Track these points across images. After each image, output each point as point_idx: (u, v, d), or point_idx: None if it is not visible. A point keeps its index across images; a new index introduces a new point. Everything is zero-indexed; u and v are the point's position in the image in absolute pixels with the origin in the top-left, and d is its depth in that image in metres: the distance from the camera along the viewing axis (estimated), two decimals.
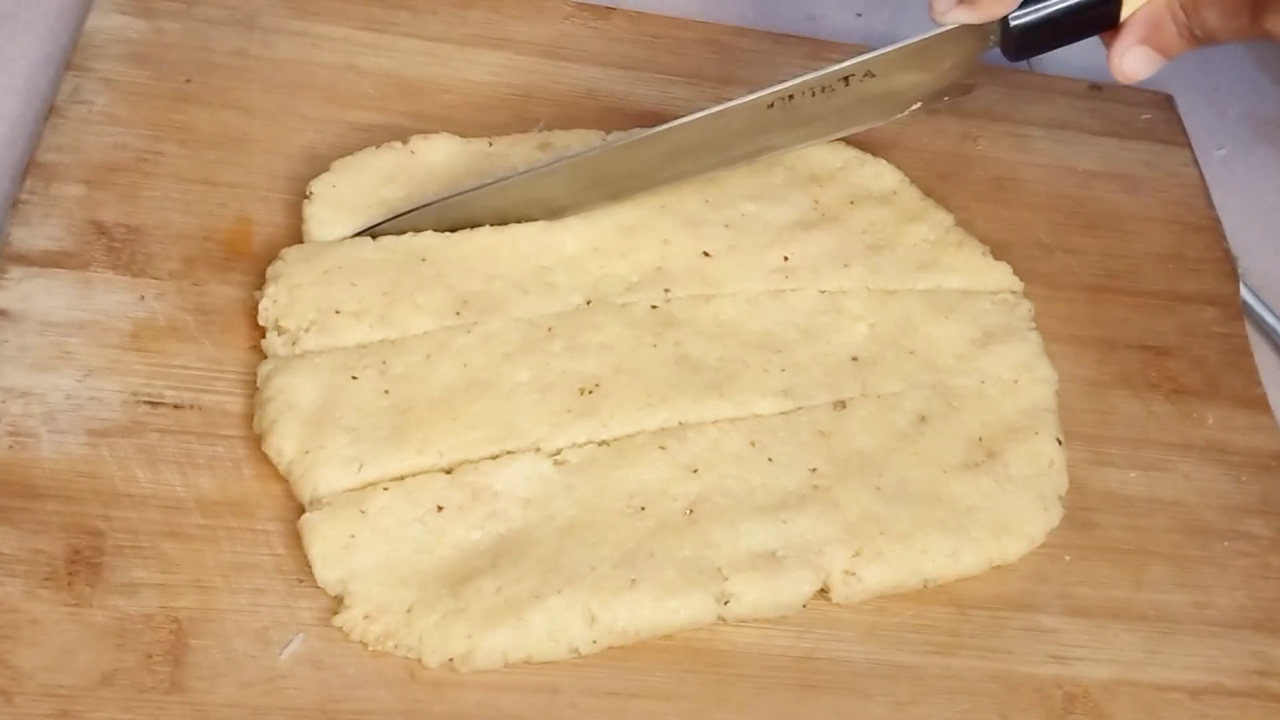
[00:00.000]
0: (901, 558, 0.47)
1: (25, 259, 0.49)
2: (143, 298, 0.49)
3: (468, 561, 0.45)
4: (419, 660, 0.43)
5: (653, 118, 0.59)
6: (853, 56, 0.51)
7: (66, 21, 0.58)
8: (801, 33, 0.67)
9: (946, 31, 0.50)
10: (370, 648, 0.43)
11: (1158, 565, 0.51)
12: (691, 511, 0.47)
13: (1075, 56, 0.73)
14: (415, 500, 0.45)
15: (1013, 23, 0.50)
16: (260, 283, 0.50)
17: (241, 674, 0.42)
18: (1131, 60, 0.50)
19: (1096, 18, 0.50)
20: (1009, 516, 0.49)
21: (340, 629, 0.43)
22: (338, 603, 0.44)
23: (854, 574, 0.46)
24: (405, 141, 0.54)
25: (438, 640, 0.43)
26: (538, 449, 0.47)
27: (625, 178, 0.52)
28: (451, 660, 0.43)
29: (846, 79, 0.51)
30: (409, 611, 0.43)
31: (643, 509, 0.46)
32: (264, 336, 0.49)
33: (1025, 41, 0.50)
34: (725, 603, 0.45)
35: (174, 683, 0.41)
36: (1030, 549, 0.49)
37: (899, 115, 0.55)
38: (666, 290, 0.53)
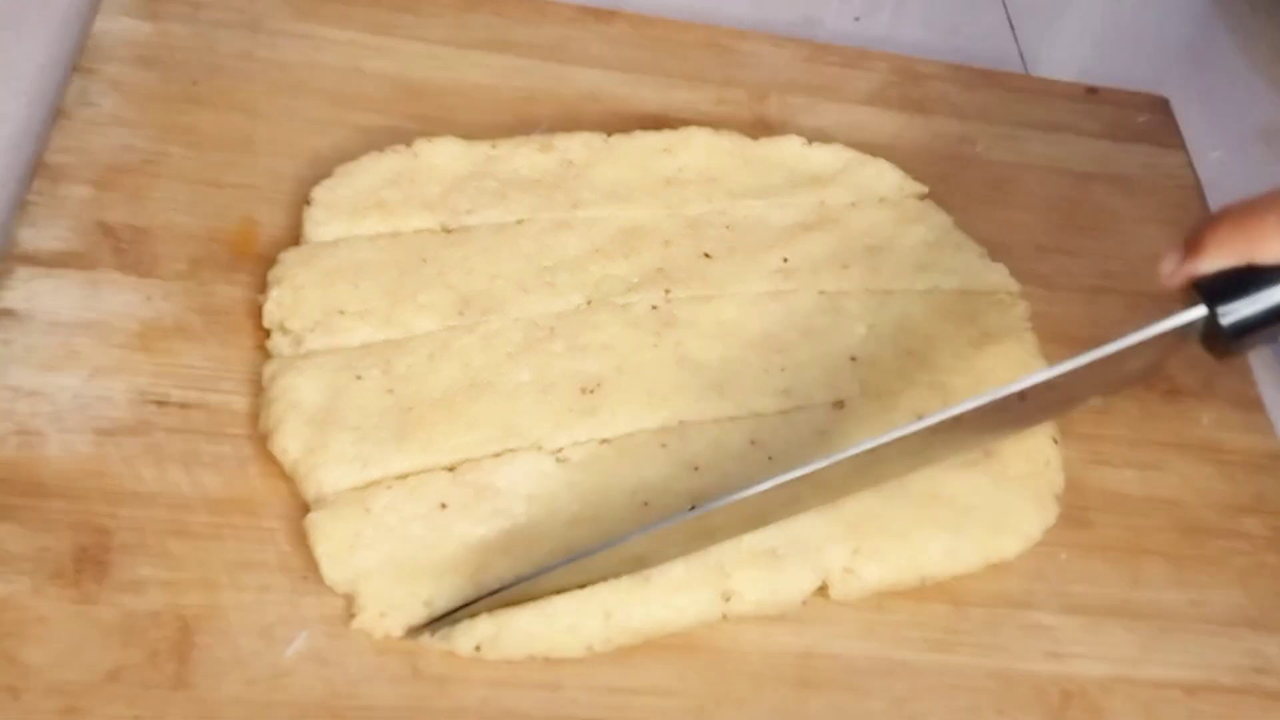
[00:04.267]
0: (900, 555, 0.47)
1: (33, 259, 0.49)
2: (149, 298, 0.49)
3: (477, 555, 0.45)
4: (429, 653, 0.43)
5: (654, 120, 0.60)
6: (1036, 375, 0.44)
7: (73, 24, 0.58)
8: (800, 36, 0.67)
9: (1141, 340, 0.43)
10: (383, 642, 0.43)
11: (1154, 564, 0.52)
12: (694, 508, 0.47)
13: (1072, 59, 0.74)
14: (419, 498, 0.46)
15: (1225, 320, 0.42)
16: (265, 284, 0.50)
17: (247, 671, 0.42)
18: None
19: None
20: (1006, 515, 0.49)
21: (360, 630, 0.43)
22: (344, 600, 0.44)
23: (853, 571, 0.47)
24: (409, 144, 0.55)
25: (465, 626, 0.43)
26: (540, 447, 0.48)
27: (762, 515, 0.46)
28: (479, 647, 0.43)
29: (1023, 396, 0.44)
30: (426, 604, 0.43)
31: (646, 504, 0.47)
32: (269, 337, 0.49)
33: (1237, 338, 0.42)
34: (728, 599, 0.46)
35: (180, 679, 0.41)
36: (1027, 547, 0.50)
37: (1071, 411, 0.50)
38: (667, 291, 0.53)
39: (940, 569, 0.48)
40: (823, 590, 0.47)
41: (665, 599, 0.44)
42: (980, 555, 0.49)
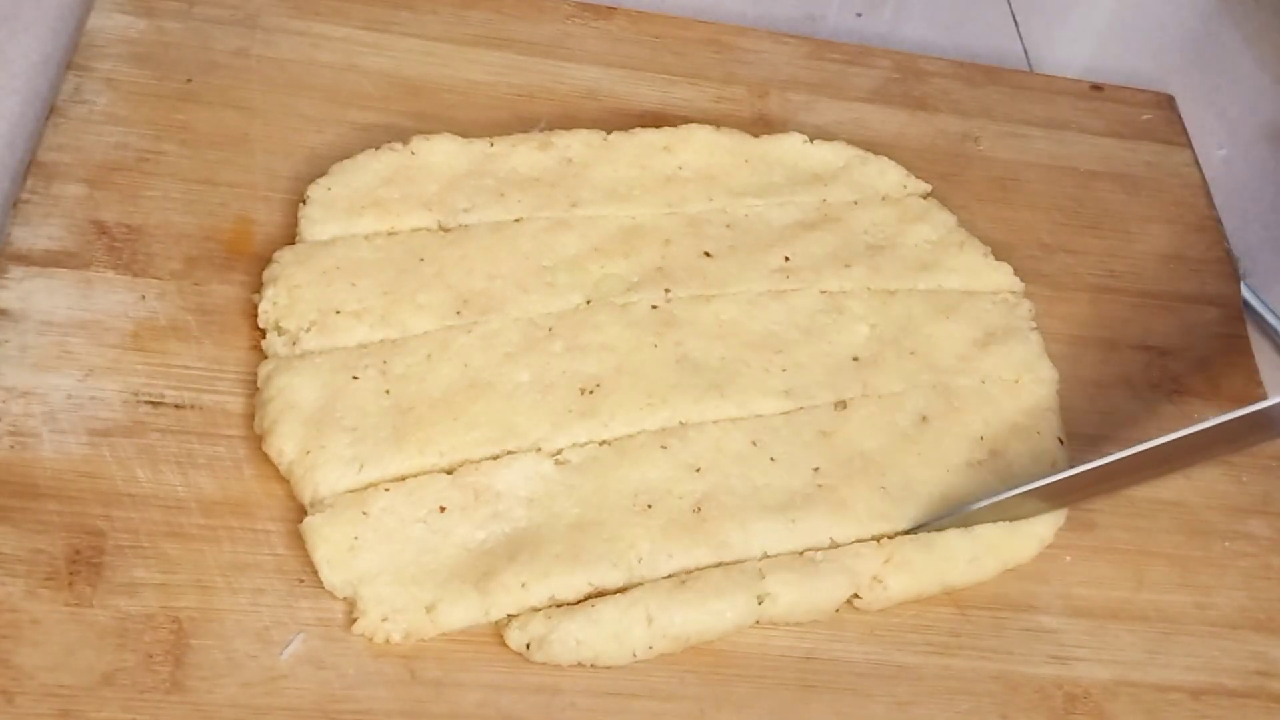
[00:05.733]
0: (926, 565, 0.47)
1: (26, 258, 0.49)
2: (144, 297, 0.49)
3: (479, 561, 0.45)
4: (425, 657, 0.43)
5: (654, 118, 0.60)
6: None
7: (68, 21, 0.58)
8: (802, 33, 0.67)
9: None
10: (380, 646, 0.43)
11: (1159, 566, 0.51)
12: (699, 510, 0.47)
13: (1076, 56, 0.74)
14: (417, 501, 0.45)
15: None
16: (260, 284, 0.50)
17: (242, 674, 0.42)
18: None
19: None
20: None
21: (361, 635, 0.43)
22: (342, 604, 0.44)
23: (881, 581, 0.46)
24: (406, 142, 0.54)
25: (520, 622, 0.43)
26: (538, 449, 0.47)
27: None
28: (529, 646, 0.43)
29: None
30: (429, 610, 0.43)
31: (649, 506, 0.46)
32: (264, 337, 0.49)
33: None
34: (761, 603, 0.45)
35: (174, 683, 0.41)
36: (1040, 549, 0.49)
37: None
38: (667, 290, 0.53)
39: (964, 578, 0.48)
40: (850, 599, 0.47)
41: (703, 603, 0.44)
42: (999, 561, 0.48)
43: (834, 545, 0.47)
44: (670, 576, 0.45)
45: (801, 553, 0.46)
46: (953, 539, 0.48)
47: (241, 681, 0.41)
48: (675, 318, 0.52)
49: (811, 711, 0.45)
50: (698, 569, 0.46)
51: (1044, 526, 0.49)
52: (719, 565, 0.46)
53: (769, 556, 0.46)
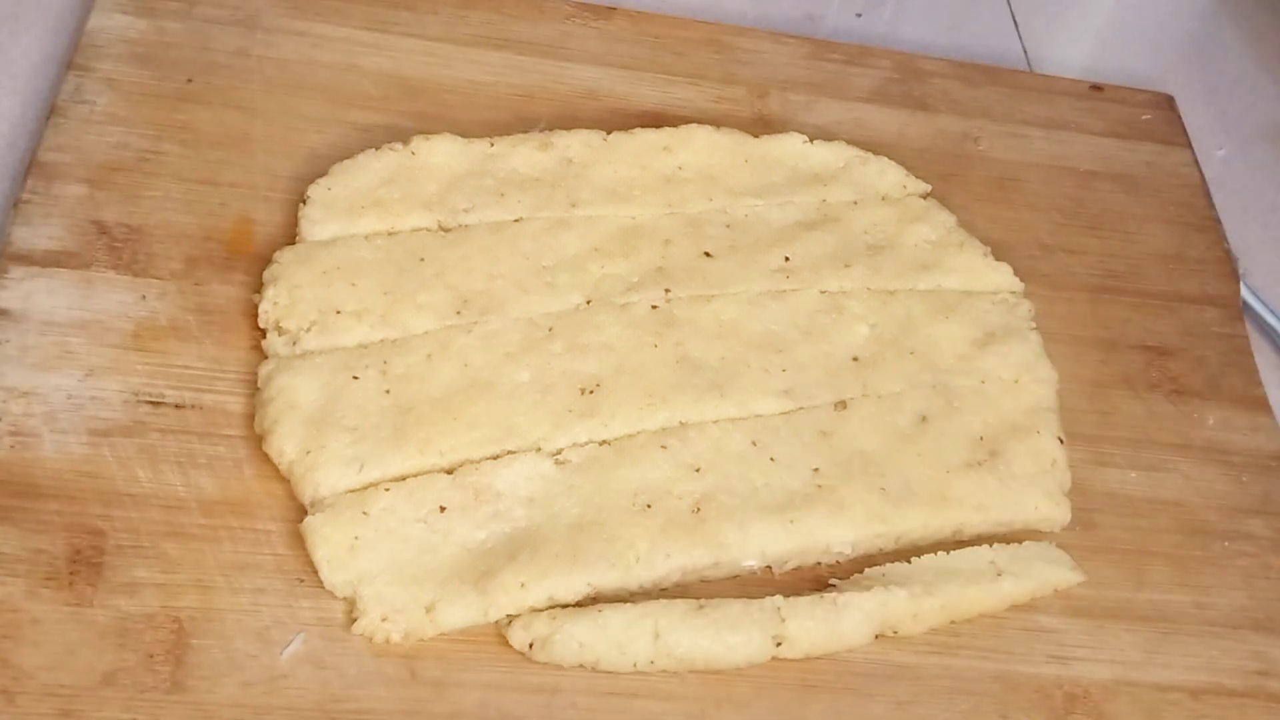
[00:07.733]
0: (943, 606, 0.47)
1: (27, 259, 0.49)
2: (144, 297, 0.49)
3: (480, 560, 0.45)
4: (426, 656, 0.43)
5: (654, 118, 0.60)
6: None
7: (68, 21, 0.58)
8: (801, 33, 0.67)
9: None
10: (380, 645, 0.43)
11: (1158, 565, 0.51)
12: (699, 510, 0.47)
13: (1076, 56, 0.74)
14: (417, 500, 0.45)
15: None
16: (261, 284, 0.50)
17: (242, 673, 0.42)
18: None
19: None
20: (1019, 516, 0.49)
21: (361, 635, 0.43)
22: (343, 604, 0.44)
23: (917, 616, 0.46)
24: (406, 142, 0.54)
25: (523, 621, 0.43)
26: (539, 449, 0.47)
27: None
28: (531, 645, 0.43)
29: None
30: (428, 610, 0.43)
31: (649, 506, 0.46)
32: (265, 337, 0.49)
33: None
34: (779, 645, 0.45)
35: (175, 682, 0.41)
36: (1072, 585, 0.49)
37: None
38: (667, 290, 0.53)
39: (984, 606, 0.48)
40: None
41: (716, 634, 0.44)
42: (1003, 599, 0.48)
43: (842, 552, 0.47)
44: (688, 600, 0.44)
45: (823, 594, 0.46)
46: (976, 587, 0.47)
47: (242, 681, 0.42)
48: (675, 318, 0.52)
49: (811, 711, 0.45)
50: (719, 599, 0.45)
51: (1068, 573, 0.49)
52: (741, 599, 0.45)
53: (782, 587, 0.46)
